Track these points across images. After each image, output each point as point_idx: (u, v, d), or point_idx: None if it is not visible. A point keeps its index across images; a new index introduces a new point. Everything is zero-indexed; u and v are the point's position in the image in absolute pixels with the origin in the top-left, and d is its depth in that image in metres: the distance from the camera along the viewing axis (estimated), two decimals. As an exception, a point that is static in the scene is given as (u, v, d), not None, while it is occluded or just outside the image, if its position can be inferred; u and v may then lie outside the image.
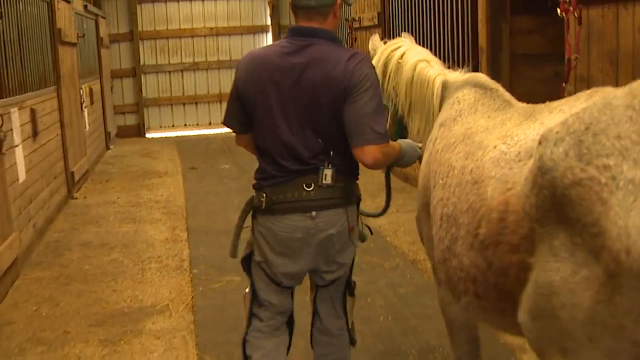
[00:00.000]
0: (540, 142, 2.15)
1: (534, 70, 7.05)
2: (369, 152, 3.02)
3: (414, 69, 3.62)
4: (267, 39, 16.13)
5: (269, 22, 16.18)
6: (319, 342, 3.47)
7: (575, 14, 5.04)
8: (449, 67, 3.70)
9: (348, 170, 3.19)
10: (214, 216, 8.01)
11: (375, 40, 4.07)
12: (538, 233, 2.17)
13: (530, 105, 2.94)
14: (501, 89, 3.23)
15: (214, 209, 8.40)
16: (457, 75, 3.49)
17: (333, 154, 3.11)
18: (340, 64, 3.02)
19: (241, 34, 16.26)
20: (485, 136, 2.77)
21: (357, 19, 10.75)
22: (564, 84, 5.16)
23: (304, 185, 3.10)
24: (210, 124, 16.16)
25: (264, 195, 3.14)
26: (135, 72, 15.59)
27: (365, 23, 10.41)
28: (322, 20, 3.10)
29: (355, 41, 10.97)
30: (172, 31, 15.97)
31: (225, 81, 16.02)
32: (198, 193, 9.32)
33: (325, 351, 3.45)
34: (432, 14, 8.23)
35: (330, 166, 3.10)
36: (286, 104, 3.08)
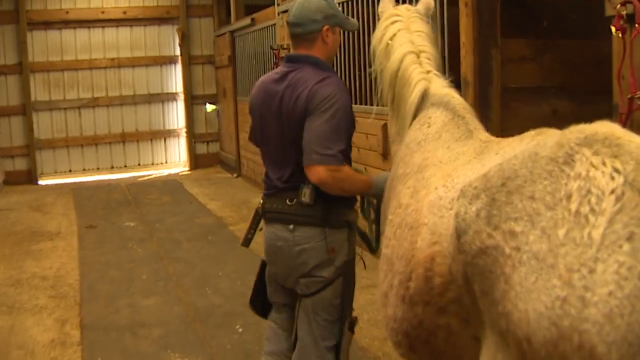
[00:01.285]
0: (458, 198, 1.99)
1: (529, 107, 5.47)
2: (314, 172, 3.13)
3: (400, 62, 3.19)
4: (176, 71, 14.09)
5: (178, 52, 14.02)
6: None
7: (643, 34, 3.44)
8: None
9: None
10: (115, 302, 6.06)
11: (385, 2, 3.53)
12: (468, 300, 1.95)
13: (488, 138, 2.65)
14: (469, 116, 2.87)
15: (115, 290, 6.41)
16: (440, 86, 3.09)
17: None
18: (308, 87, 3.17)
19: (146, 66, 13.93)
20: (434, 172, 2.49)
21: (285, 46, 8.96)
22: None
23: (287, 200, 3.31)
24: (112, 168, 13.84)
25: (261, 202, 3.50)
26: (25, 109, 12.98)
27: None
28: (310, 46, 3.29)
29: (282, 72, 9.22)
30: (68, 62, 13.41)
31: (128, 119, 13.83)
32: (96, 265, 7.26)
33: None
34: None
35: (309, 185, 3.23)
36: (272, 126, 3.33)
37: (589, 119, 1.84)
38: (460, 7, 5.12)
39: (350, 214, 3.42)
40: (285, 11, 8.98)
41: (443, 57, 5.49)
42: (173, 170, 13.92)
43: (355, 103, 7.25)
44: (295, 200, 3.27)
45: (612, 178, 1.55)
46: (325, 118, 3.11)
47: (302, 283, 3.37)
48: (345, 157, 3.27)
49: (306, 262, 3.30)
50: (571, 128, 1.76)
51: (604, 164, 1.60)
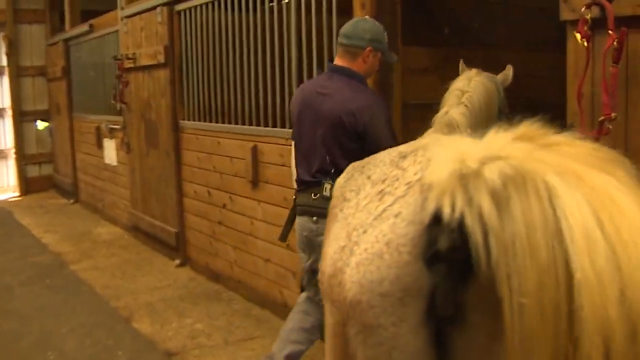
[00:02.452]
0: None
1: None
2: None
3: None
4: (3, 84, 12.24)
5: (4, 62, 12.15)
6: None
7: (615, 43, 2.66)
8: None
9: None
10: None
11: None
12: None
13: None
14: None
15: None
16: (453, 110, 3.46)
17: (334, 172, 3.49)
18: (344, 96, 3.53)
19: (-35, 78, 12.06)
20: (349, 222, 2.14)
21: (130, 56, 7.70)
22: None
23: (312, 194, 3.70)
24: None
25: (294, 197, 3.95)
26: None
27: (145, 61, 7.40)
28: (352, 60, 3.61)
29: (126, 86, 7.92)
30: None
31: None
32: None
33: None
34: (260, 44, 5.44)
35: (331, 181, 3.53)
36: (307, 126, 3.66)
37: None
38: (354, 8, 4.21)
39: None
40: (130, 16, 7.71)
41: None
42: (1, 197, 12.04)
43: (218, 122, 6.17)
44: (318, 194, 3.66)
45: (415, 173, 1.77)
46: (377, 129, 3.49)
47: None
48: None
49: None
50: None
51: (420, 162, 1.81)
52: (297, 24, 4.91)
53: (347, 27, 3.60)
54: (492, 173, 1.50)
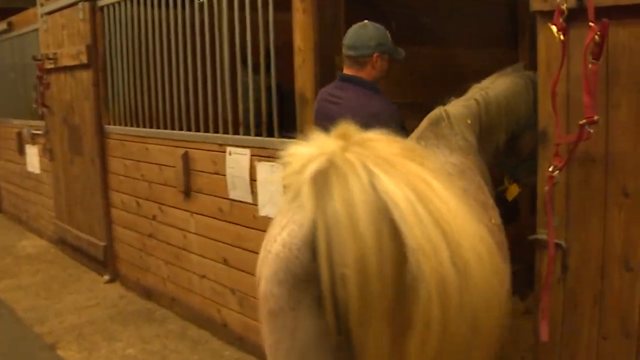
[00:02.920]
0: None
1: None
2: None
3: None
4: None
5: None
6: None
7: (597, 36, 2.28)
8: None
9: None
10: None
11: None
12: None
13: None
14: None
15: None
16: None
17: None
18: (357, 103, 3.45)
19: None
20: None
21: (51, 56, 7.06)
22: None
23: None
24: None
25: None
26: None
27: (66, 62, 6.77)
28: (360, 69, 3.53)
29: (47, 88, 7.28)
30: None
31: None
32: None
33: None
34: (190, 43, 4.91)
35: None
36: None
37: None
38: (293, 1, 3.75)
39: None
40: (51, 12, 7.07)
41: (269, 68, 4.09)
42: None
43: (146, 126, 5.63)
44: None
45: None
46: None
47: None
48: None
49: None
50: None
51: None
52: (230, 21, 4.42)
53: (349, 37, 3.53)
54: (311, 167, 1.72)
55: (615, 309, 2.56)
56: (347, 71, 3.58)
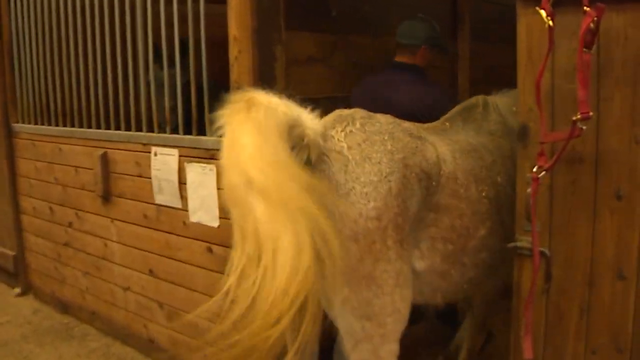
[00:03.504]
0: None
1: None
2: None
3: None
4: None
5: None
6: None
7: (592, 23, 2.00)
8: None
9: None
10: None
11: None
12: None
13: None
14: None
15: None
16: None
17: None
18: (409, 88, 3.69)
19: None
20: None
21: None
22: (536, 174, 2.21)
23: None
24: None
25: None
26: None
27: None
28: (411, 56, 3.84)
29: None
30: None
31: None
32: None
33: None
34: (109, 31, 4.38)
35: None
36: None
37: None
38: (227, -14, 3.35)
39: None
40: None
41: (200, 62, 3.68)
42: None
43: (59, 124, 5.07)
44: None
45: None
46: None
47: None
48: None
49: None
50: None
51: None
52: (155, 10, 3.97)
53: (402, 27, 3.86)
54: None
55: (605, 321, 2.31)
56: (398, 59, 3.87)
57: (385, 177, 2.30)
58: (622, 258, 2.23)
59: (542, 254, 2.36)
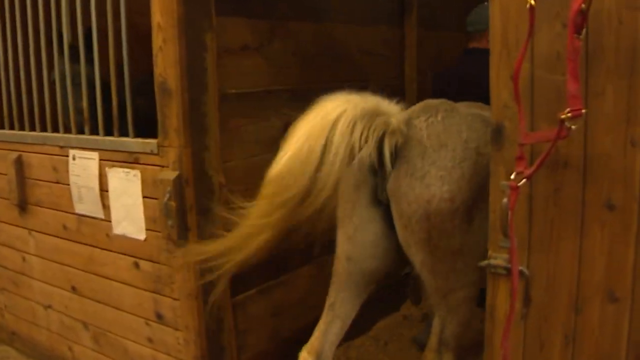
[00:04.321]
0: None
1: (256, 124, 3.48)
2: None
3: None
4: None
5: None
6: None
7: (583, 3, 1.63)
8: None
9: None
10: None
11: None
12: None
13: None
14: None
15: None
16: None
17: None
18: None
19: None
20: None
21: None
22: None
23: None
24: None
25: None
26: None
27: None
28: (481, 40, 4.05)
29: None
30: None
31: None
32: None
33: None
34: (20, 21, 3.82)
35: None
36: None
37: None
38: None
39: None
40: None
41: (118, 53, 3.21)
42: None
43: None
44: None
45: None
46: None
47: None
48: None
49: None
50: None
51: None
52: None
53: (470, 16, 4.11)
54: None
55: (593, 351, 1.97)
56: (471, 45, 4.12)
57: (459, 163, 2.49)
58: (613, 278, 1.90)
59: (520, 273, 2.01)
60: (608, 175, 1.84)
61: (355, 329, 4.26)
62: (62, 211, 3.76)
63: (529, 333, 2.08)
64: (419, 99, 4.68)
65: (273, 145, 3.54)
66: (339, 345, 4.21)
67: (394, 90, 4.54)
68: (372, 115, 2.50)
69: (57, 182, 3.76)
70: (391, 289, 4.64)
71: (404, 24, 4.54)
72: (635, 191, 1.81)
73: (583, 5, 1.65)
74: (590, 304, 1.95)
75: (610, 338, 1.94)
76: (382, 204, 2.69)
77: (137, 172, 3.23)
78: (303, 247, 3.82)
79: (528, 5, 1.74)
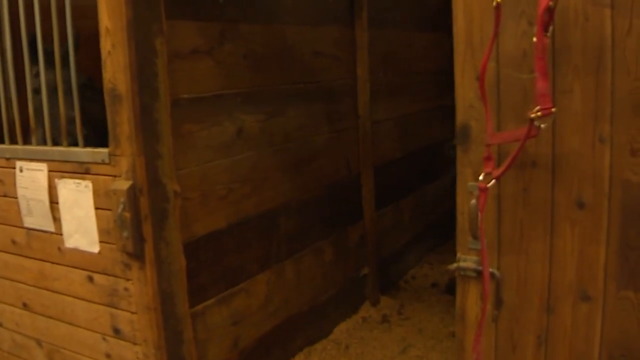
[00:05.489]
0: None
1: (209, 129, 3.37)
2: None
3: None
4: None
5: None
6: None
7: (551, 2, 1.59)
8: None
9: None
10: None
11: None
12: None
13: None
14: None
15: None
16: None
17: None
18: None
19: None
20: None
21: None
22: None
23: None
24: None
25: None
26: None
27: None
28: None
29: None
30: None
31: None
32: None
33: None
34: None
35: None
36: None
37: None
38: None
39: None
40: None
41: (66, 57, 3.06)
42: None
43: None
44: None
45: None
46: None
47: None
48: None
49: None
50: None
51: None
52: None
53: None
54: None
55: (566, 351, 1.93)
56: None
57: None
58: (585, 277, 1.86)
59: (491, 275, 1.95)
60: (577, 173, 1.80)
61: (316, 333, 4.17)
62: (10, 225, 3.57)
63: (501, 335, 2.02)
64: (372, 99, 4.66)
65: (227, 150, 3.44)
66: (300, 351, 4.13)
67: (347, 91, 4.50)
68: None
69: (4, 196, 3.57)
70: (349, 291, 4.57)
71: (355, 25, 4.47)
72: (605, 188, 1.77)
73: (551, 3, 1.59)
74: (562, 303, 1.91)
75: (583, 337, 1.90)
76: None
77: (89, 183, 3.08)
78: (261, 254, 3.71)
79: (495, 4, 1.68)
